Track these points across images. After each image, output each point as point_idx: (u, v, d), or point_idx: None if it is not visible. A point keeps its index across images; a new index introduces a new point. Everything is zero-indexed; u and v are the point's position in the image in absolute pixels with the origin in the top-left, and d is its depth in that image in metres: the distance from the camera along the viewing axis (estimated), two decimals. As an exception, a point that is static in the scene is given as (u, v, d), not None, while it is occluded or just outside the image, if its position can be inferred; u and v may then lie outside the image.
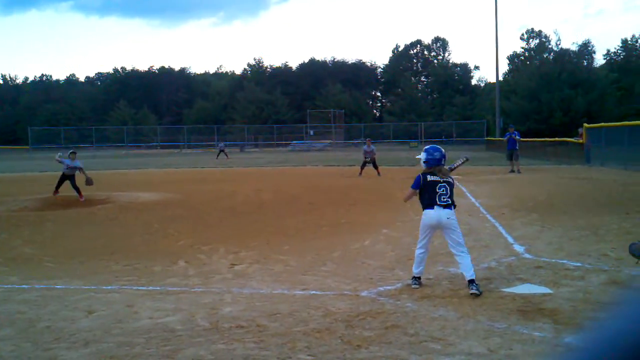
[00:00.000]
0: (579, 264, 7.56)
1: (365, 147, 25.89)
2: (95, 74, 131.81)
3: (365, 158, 25.33)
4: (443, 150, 6.92)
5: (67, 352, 4.79)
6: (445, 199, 6.58)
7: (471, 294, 6.27)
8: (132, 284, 7.33)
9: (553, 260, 7.84)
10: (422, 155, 6.90)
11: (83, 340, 5.08)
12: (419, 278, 6.72)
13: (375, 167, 25.21)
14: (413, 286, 6.61)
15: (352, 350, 4.66)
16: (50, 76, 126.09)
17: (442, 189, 6.60)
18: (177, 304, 6.23)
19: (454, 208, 6.72)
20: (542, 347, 4.60)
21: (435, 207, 6.56)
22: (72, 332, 5.33)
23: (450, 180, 6.75)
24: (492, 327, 5.15)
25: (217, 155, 50.37)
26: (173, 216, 13.54)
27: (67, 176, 17.21)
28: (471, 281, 6.39)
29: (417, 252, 6.84)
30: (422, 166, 6.86)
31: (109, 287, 7.13)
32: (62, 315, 5.92)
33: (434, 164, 6.73)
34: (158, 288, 7.06)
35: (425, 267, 6.86)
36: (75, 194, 17.10)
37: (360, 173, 25.24)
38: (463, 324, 5.24)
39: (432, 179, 6.67)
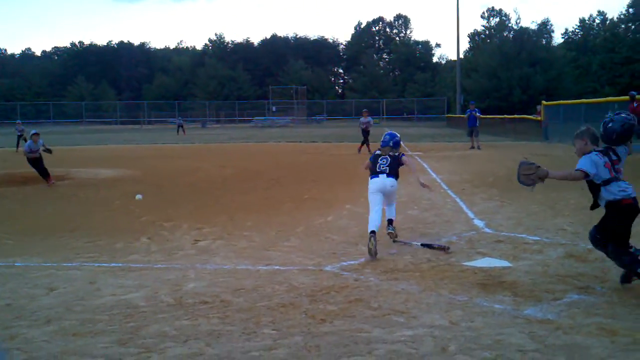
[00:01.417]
0: (537, 238, 7.73)
1: (362, 118, 25.41)
2: (52, 48, 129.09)
3: (364, 128, 24.55)
4: (397, 136, 8.41)
5: (29, 330, 4.72)
6: (383, 168, 7.94)
7: (388, 233, 7.85)
8: (94, 260, 7.24)
9: (512, 235, 8.00)
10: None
11: (45, 317, 5.02)
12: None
13: (366, 141, 24.18)
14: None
15: (316, 324, 4.69)
16: (5, 50, 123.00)
17: (382, 161, 8.03)
18: (140, 281, 6.19)
19: (396, 178, 8.01)
20: (502, 319, 4.70)
21: (379, 175, 7.94)
22: (33, 309, 5.26)
23: (394, 155, 8.13)
24: (454, 300, 5.24)
25: (177, 131, 50.68)
26: (134, 192, 13.37)
27: (33, 160, 15.58)
28: (390, 221, 8.00)
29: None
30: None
31: (70, 264, 7.04)
32: (23, 292, 5.84)
33: (383, 145, 8.23)
34: (120, 265, 7.00)
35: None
36: (42, 177, 15.53)
37: (360, 149, 24.16)
38: (425, 298, 5.33)
39: (378, 152, 8.25)
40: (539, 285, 5.59)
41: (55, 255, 7.59)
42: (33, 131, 16.19)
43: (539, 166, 5.55)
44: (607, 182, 5.38)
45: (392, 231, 7.91)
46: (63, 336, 4.59)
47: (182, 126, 52.70)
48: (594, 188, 5.51)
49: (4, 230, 9.37)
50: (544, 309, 4.91)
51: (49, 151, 15.78)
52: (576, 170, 5.50)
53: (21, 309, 5.27)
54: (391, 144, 8.25)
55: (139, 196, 8.74)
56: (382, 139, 8.36)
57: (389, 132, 8.56)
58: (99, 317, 4.99)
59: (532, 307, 4.97)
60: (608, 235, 5.45)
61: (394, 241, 7.70)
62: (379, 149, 8.28)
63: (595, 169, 5.38)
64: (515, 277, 5.93)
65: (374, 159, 8.19)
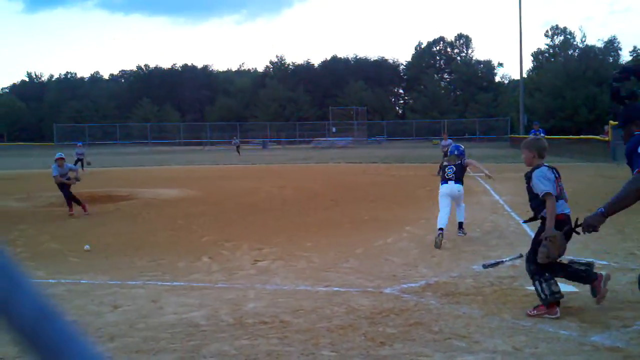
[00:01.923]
0: (605, 263, 7.48)
1: (442, 141, 25.31)
2: (119, 71, 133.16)
3: (445, 151, 24.50)
4: (461, 147, 10.15)
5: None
6: (451, 176, 9.75)
7: (458, 235, 9.69)
8: (157, 279, 7.38)
9: (579, 259, 7.75)
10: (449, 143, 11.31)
11: (109, 334, 5.14)
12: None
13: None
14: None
15: (375, 347, 4.65)
16: (75, 74, 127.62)
17: (449, 170, 9.84)
18: (201, 300, 6.27)
19: (462, 184, 9.81)
20: (568, 345, 4.55)
21: (448, 182, 9.78)
22: (98, 326, 5.39)
23: (459, 163, 9.90)
24: (517, 324, 5.11)
25: (238, 152, 50.97)
26: (196, 212, 13.61)
27: (60, 185, 14.11)
28: (460, 224, 9.96)
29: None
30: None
31: (134, 282, 7.19)
32: (88, 309, 5.99)
33: (450, 154, 10.07)
34: (182, 283, 7.11)
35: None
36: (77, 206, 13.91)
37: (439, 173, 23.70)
38: (487, 322, 5.21)
39: (445, 163, 10.22)
40: (607, 312, 5.39)
41: (120, 273, 7.77)
42: (58, 154, 14.43)
43: (546, 239, 5.46)
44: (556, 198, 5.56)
45: (462, 234, 9.81)
46: (126, 353, 4.68)
47: (239, 147, 53.05)
48: (539, 202, 5.63)
49: (70, 249, 9.65)
50: (612, 336, 4.73)
51: (76, 180, 14.47)
52: (545, 197, 5.53)
53: (86, 326, 5.40)
54: (456, 152, 9.96)
55: (87, 247, 8.99)
56: (455, 151, 10.03)
57: (454, 144, 10.58)
58: (161, 335, 5.07)
59: (599, 334, 4.79)
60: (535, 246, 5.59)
61: (484, 266, 7.16)
62: (446, 159, 10.29)
63: (552, 185, 5.57)
64: (581, 302, 5.75)
65: (443, 168, 10.20)
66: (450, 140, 25.11)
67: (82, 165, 29.10)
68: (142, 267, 8.16)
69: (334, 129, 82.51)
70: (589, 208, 12.44)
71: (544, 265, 5.47)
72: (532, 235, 9.58)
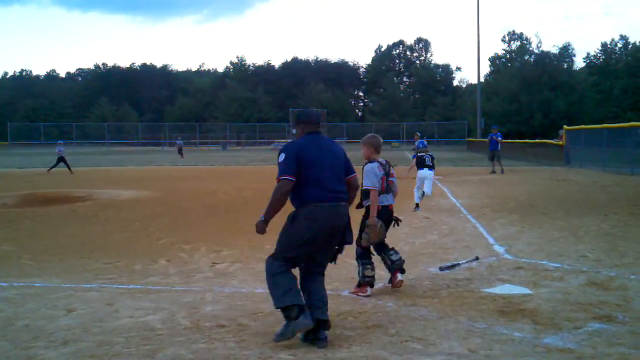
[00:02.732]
0: (558, 265, 7.63)
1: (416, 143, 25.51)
2: (76, 69, 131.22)
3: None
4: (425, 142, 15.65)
5: (46, 351, 4.74)
6: (428, 163, 13.90)
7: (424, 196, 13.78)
8: (113, 282, 7.27)
9: (533, 261, 7.91)
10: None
11: (62, 339, 5.04)
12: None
13: None
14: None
15: (333, 349, 4.66)
16: (30, 71, 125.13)
17: (426, 157, 14.03)
18: (157, 303, 6.19)
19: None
20: (521, 347, 4.63)
21: (424, 168, 13.90)
22: (51, 330, 5.28)
23: (431, 154, 14.31)
24: (473, 327, 5.17)
25: (181, 154, 47.71)
26: (154, 214, 13.46)
27: None
28: (423, 193, 13.81)
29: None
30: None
31: (89, 286, 7.06)
32: (41, 313, 5.86)
33: (424, 147, 13.90)
34: (139, 286, 7.02)
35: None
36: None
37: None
38: (444, 324, 5.27)
39: (422, 154, 14.34)
40: (560, 314, 5.50)
41: (74, 276, 7.63)
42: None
43: (369, 225, 6.33)
44: (379, 193, 6.39)
45: (423, 196, 13.89)
46: (80, 358, 4.59)
47: (181, 148, 49.54)
48: (365, 192, 6.43)
49: (24, 251, 9.44)
50: (564, 338, 4.83)
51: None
52: (366, 190, 6.39)
53: (39, 330, 5.29)
54: (421, 146, 15.02)
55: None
56: (420, 145, 15.11)
57: (421, 140, 15.21)
58: (116, 339, 4.99)
59: (552, 336, 4.89)
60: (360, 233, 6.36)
61: (441, 269, 7.52)
62: (421, 151, 14.67)
63: (377, 181, 6.38)
64: (535, 304, 5.85)
65: (420, 157, 14.27)
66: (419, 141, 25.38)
67: (67, 165, 28.13)
68: (98, 269, 8.02)
69: (293, 131, 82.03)
70: (544, 211, 12.79)
71: (365, 252, 6.45)
72: (488, 238, 9.77)
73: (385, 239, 6.81)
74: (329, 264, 5.41)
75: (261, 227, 5.24)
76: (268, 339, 4.90)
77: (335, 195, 5.15)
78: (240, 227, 11.62)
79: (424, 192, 13.71)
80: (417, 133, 27.85)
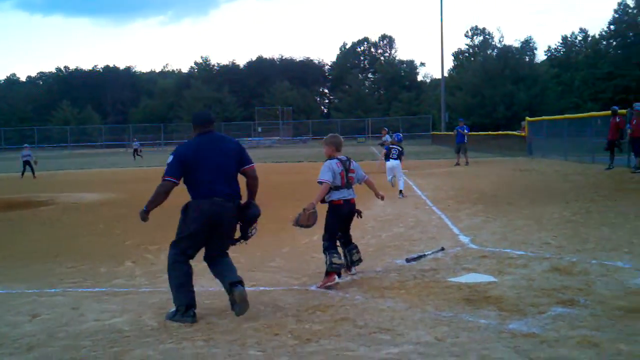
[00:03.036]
0: (522, 253, 7.75)
1: (383, 137, 25.65)
2: (37, 73, 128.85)
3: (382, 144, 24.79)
4: (400, 135, 16.86)
5: (10, 358, 4.66)
6: (394, 155, 15.38)
7: (399, 198, 14.67)
8: (77, 286, 7.17)
9: (497, 250, 8.01)
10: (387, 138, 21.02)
11: (27, 345, 4.95)
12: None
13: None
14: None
15: (302, 344, 4.67)
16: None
17: (394, 151, 15.49)
18: (124, 305, 6.13)
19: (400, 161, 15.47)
20: (487, 333, 4.69)
21: (391, 159, 15.41)
22: (15, 337, 5.18)
23: (400, 148, 15.69)
24: (439, 316, 5.23)
25: (134, 156, 45.79)
26: (119, 216, 13.30)
27: None
28: (400, 191, 15.00)
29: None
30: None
31: (54, 290, 6.96)
32: (5, 320, 5.76)
33: (397, 140, 16.27)
34: (104, 289, 6.94)
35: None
36: None
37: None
38: (411, 314, 5.31)
39: (391, 146, 15.93)
40: (524, 300, 5.59)
41: (38, 281, 7.50)
42: None
43: (304, 209, 6.71)
44: (336, 188, 6.72)
45: (401, 197, 14.66)
46: (46, 363, 4.52)
47: (137, 150, 47.07)
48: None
49: (-14, 257, 9.25)
50: (528, 323, 4.91)
51: None
52: (320, 183, 6.73)
53: (3, 337, 5.19)
54: (397, 139, 16.37)
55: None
56: (396, 138, 16.50)
57: (397, 133, 17.36)
58: (82, 343, 4.93)
59: (517, 322, 4.96)
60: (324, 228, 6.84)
61: (407, 261, 7.62)
62: (393, 143, 16.18)
63: (332, 176, 6.67)
64: (500, 291, 5.93)
65: (389, 149, 15.94)
66: (387, 136, 25.40)
67: (32, 169, 27.49)
68: (62, 273, 7.90)
69: (259, 129, 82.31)
70: (508, 201, 12.97)
71: (331, 244, 6.76)
72: (454, 229, 9.88)
73: (351, 232, 7.12)
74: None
75: (143, 216, 5.85)
76: (237, 337, 4.90)
77: (221, 192, 5.64)
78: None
79: (394, 175, 15.66)
80: (385, 128, 28.07)
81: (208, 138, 5.83)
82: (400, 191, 14.84)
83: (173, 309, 5.54)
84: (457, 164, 26.14)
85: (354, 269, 7.06)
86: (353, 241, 7.17)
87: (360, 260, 7.08)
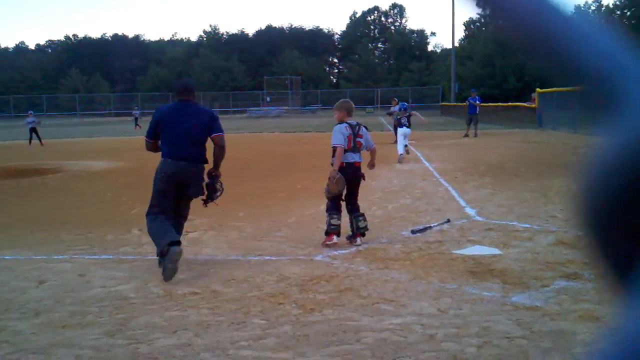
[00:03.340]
0: (527, 226, 7.74)
1: (392, 108, 24.97)
2: (46, 41, 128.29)
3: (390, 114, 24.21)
4: (406, 104, 18.47)
5: (18, 323, 4.73)
6: (405, 123, 16.96)
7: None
8: (84, 253, 7.23)
9: (503, 222, 8.01)
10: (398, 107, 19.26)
11: (34, 310, 5.02)
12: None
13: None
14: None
15: (305, 314, 4.71)
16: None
17: (404, 120, 17.06)
18: (130, 272, 6.19)
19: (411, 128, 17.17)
20: (490, 306, 4.72)
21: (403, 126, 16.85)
22: (22, 302, 5.26)
23: (408, 115, 17.46)
24: (443, 288, 5.25)
25: (135, 125, 44.58)
26: (126, 184, 13.36)
27: None
28: (406, 146, 16.95)
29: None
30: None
31: (61, 257, 7.02)
32: (12, 285, 5.83)
33: (404, 109, 17.64)
34: (111, 257, 7.00)
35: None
36: None
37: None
38: (414, 286, 5.34)
39: (399, 116, 17.58)
40: (528, 273, 5.61)
41: (46, 248, 7.56)
42: None
43: (329, 177, 7.13)
44: (345, 150, 7.01)
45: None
46: (52, 328, 4.59)
47: (137, 119, 46.36)
48: None
49: (-6, 223, 9.33)
50: (531, 296, 4.93)
51: None
52: (333, 148, 7.16)
53: (9, 302, 5.26)
54: (403, 108, 17.87)
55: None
56: (402, 107, 18.15)
57: (402, 103, 19.49)
58: (88, 309, 5.00)
59: (520, 294, 4.99)
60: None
61: (413, 232, 7.64)
62: (398, 114, 18.15)
63: (343, 139, 7.01)
64: (504, 264, 5.95)
65: (399, 118, 17.65)
66: (397, 107, 24.93)
67: (38, 135, 27.22)
68: (69, 241, 7.96)
69: (268, 99, 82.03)
70: (515, 173, 12.93)
71: (333, 205, 7.09)
72: (460, 201, 9.88)
73: (358, 201, 7.29)
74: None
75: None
76: (242, 305, 4.94)
77: (183, 155, 6.21)
78: (214, 195, 11.58)
79: (407, 145, 17.26)
80: (395, 98, 27.83)
81: (183, 104, 6.42)
82: (400, 155, 16.20)
83: (162, 270, 5.88)
84: (466, 135, 26.01)
85: (359, 239, 7.11)
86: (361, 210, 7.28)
87: (366, 228, 7.19)
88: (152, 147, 6.53)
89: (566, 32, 0.51)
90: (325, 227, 7.14)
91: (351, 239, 7.14)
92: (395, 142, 18.16)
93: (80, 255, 7.11)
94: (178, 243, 5.81)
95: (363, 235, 7.18)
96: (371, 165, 7.61)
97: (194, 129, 6.28)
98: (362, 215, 7.23)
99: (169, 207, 6.31)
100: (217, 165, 6.75)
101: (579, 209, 0.44)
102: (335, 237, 7.03)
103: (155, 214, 6.25)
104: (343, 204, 7.29)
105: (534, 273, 5.58)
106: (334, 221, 7.02)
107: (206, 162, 6.47)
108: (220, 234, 8.10)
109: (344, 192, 7.19)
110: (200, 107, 6.83)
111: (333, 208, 7.12)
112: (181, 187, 6.27)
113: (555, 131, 27.37)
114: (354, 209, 7.25)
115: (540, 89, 34.93)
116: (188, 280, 5.79)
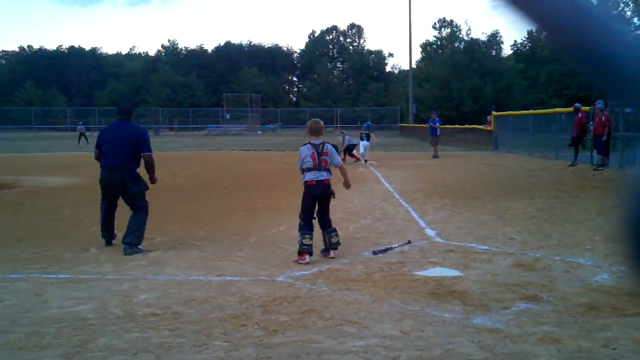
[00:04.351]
0: (487, 247, 7.87)
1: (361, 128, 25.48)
2: (0, 51, 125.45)
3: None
4: (369, 124, 25.40)
5: (-29, 344, 4.59)
6: (365, 137, 23.28)
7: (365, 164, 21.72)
8: (41, 271, 7.06)
9: (463, 244, 8.12)
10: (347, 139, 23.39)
11: (-12, 331, 4.88)
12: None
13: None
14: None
15: (268, 335, 4.68)
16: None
17: (364, 135, 23.30)
18: (89, 292, 6.07)
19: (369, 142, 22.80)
20: (452, 328, 4.77)
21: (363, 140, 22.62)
22: (-24, 323, 5.11)
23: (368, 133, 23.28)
24: (405, 309, 5.29)
25: (79, 140, 43.87)
26: (84, 201, 13.10)
27: None
28: (366, 160, 23.08)
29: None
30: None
31: (16, 276, 6.84)
32: (-34, 306, 5.66)
33: (366, 127, 23.87)
34: (69, 276, 6.85)
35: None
36: None
37: (357, 159, 23.50)
38: (377, 307, 5.37)
39: (362, 132, 23.63)
40: (488, 295, 5.69)
41: (1, 266, 7.36)
42: None
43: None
44: (309, 169, 7.35)
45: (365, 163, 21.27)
46: (8, 350, 4.47)
47: (84, 134, 45.28)
48: None
49: (-54, 241, 9.06)
50: (492, 318, 5.00)
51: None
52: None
53: (-36, 323, 5.11)
54: (364, 126, 24.09)
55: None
56: (365, 126, 24.06)
57: (367, 123, 25.87)
58: (45, 330, 4.88)
59: (481, 316, 5.05)
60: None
61: (374, 253, 7.69)
62: (364, 130, 23.62)
63: (300, 161, 7.45)
64: (465, 286, 6.03)
65: (361, 135, 23.31)
66: (347, 137, 25.02)
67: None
68: (25, 259, 7.77)
69: (228, 116, 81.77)
70: (474, 195, 13.13)
71: (306, 224, 7.34)
72: (420, 222, 9.98)
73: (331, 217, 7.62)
74: None
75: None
76: (203, 327, 4.89)
77: (112, 164, 8.17)
78: (173, 213, 11.50)
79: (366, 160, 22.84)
80: (343, 131, 28.23)
81: (118, 124, 8.38)
82: (366, 160, 22.88)
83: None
84: (436, 157, 26.28)
85: (333, 252, 7.45)
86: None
87: (338, 243, 7.55)
88: (97, 156, 8.47)
89: (618, 46, 0.53)
90: (297, 247, 7.38)
91: (325, 252, 7.49)
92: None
93: (36, 274, 6.94)
94: (130, 244, 7.99)
95: (335, 249, 7.51)
96: (345, 184, 7.94)
97: (120, 145, 8.10)
98: (335, 230, 7.55)
99: (112, 204, 8.50)
100: (150, 176, 8.76)
101: (625, 235, 0.47)
102: (307, 256, 7.24)
103: (102, 204, 8.57)
104: (315, 221, 7.50)
105: (495, 295, 5.67)
106: (305, 241, 7.24)
107: (135, 167, 8.36)
108: (180, 253, 8.00)
109: (316, 209, 7.45)
110: (133, 126, 8.46)
111: (306, 228, 7.33)
112: (113, 188, 8.34)
113: (511, 153, 27.93)
114: (325, 225, 7.53)
115: (496, 111, 35.66)
116: (148, 301, 5.71)
